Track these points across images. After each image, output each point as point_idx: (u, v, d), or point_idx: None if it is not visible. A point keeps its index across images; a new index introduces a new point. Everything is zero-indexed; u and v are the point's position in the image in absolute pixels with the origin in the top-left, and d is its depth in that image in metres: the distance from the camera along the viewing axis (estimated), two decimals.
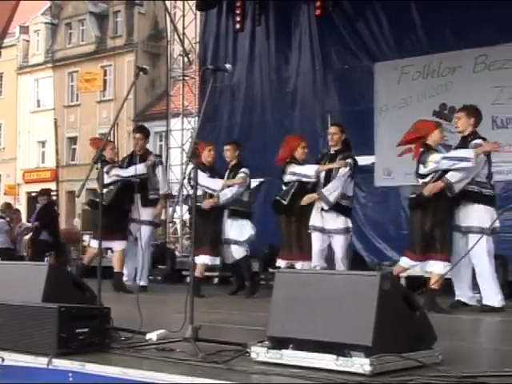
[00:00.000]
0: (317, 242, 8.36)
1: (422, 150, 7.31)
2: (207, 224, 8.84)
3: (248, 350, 3.80)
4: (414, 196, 7.38)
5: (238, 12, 13.47)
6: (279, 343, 3.68)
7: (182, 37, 14.66)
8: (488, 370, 3.42)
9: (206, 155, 9.14)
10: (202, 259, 8.82)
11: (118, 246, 9.28)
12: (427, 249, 7.02)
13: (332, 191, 8.23)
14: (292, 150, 8.80)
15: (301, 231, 8.61)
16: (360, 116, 11.50)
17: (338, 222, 8.36)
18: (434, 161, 7.09)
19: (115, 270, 9.22)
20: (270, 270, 10.47)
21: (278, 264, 8.71)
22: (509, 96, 10.11)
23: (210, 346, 3.97)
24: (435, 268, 6.92)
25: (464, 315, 6.84)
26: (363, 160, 10.00)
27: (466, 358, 4.10)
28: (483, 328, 6.22)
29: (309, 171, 8.47)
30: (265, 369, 3.53)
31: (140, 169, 8.99)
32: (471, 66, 10.75)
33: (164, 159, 12.97)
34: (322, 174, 8.41)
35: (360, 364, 3.34)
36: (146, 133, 9.76)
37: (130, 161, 9.55)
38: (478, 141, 7.05)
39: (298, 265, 8.61)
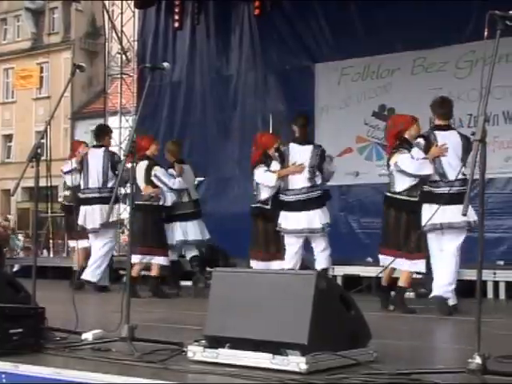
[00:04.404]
0: None
1: (397, 143, 7.12)
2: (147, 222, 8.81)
3: (184, 350, 3.79)
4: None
5: (176, 10, 13.39)
6: (216, 342, 3.68)
7: (119, 35, 14.51)
8: (422, 367, 3.47)
9: (154, 149, 9.10)
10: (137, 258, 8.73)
11: None
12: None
13: None
14: (268, 148, 8.44)
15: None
16: None
17: None
18: (393, 163, 6.99)
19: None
20: (208, 269, 10.47)
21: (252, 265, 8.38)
22: None
23: (146, 346, 3.94)
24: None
25: (401, 313, 6.92)
26: None
27: (402, 356, 4.16)
28: (419, 326, 6.31)
29: (270, 181, 8.16)
30: (201, 368, 3.53)
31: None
32: (409, 68, 10.91)
33: None
34: None
35: (296, 362, 3.36)
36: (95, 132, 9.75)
37: None
38: (420, 139, 6.93)
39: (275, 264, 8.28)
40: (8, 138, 37.56)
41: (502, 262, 9.29)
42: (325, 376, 3.28)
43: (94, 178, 9.17)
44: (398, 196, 7.10)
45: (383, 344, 4.04)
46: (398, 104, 10.75)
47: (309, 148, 7.97)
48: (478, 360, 3.14)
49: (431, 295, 6.72)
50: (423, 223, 6.56)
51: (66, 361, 3.75)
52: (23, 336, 3.91)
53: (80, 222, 9.07)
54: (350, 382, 3.23)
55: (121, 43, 14.51)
